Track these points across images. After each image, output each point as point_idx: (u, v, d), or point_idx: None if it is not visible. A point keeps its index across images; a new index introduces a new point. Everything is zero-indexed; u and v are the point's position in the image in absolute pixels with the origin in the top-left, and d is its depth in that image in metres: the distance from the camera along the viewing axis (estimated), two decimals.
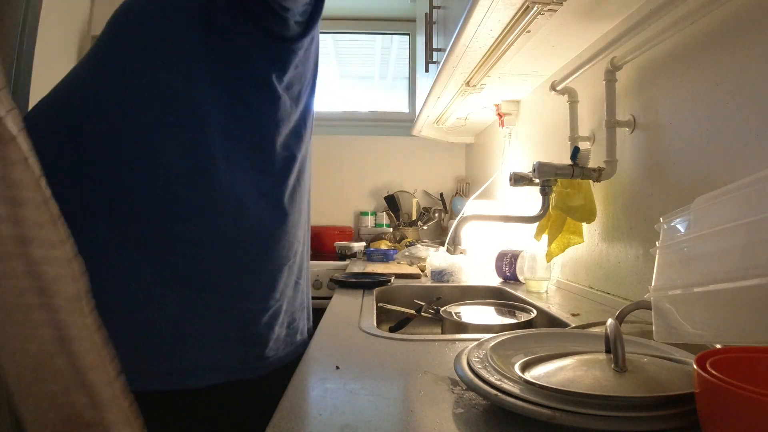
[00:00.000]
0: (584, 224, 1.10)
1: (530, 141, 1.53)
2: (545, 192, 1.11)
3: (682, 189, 0.81)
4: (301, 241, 0.76)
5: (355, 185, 2.56)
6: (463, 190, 2.46)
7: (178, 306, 0.60)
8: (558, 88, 1.14)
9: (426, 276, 1.42)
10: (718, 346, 0.47)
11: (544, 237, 1.14)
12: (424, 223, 2.29)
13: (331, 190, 2.53)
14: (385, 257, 1.80)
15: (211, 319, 0.62)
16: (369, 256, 1.87)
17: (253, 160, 0.66)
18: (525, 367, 0.48)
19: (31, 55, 0.74)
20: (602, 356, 0.48)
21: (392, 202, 2.40)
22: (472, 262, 1.42)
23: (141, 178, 0.59)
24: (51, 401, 0.37)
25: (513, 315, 0.98)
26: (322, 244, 2.23)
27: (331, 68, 2.80)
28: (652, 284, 0.57)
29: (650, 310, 0.57)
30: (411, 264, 1.66)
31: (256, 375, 0.66)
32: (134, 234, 0.59)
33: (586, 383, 0.42)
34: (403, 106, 2.68)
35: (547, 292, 1.17)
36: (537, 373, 0.46)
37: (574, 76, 1.07)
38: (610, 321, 0.48)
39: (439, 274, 1.33)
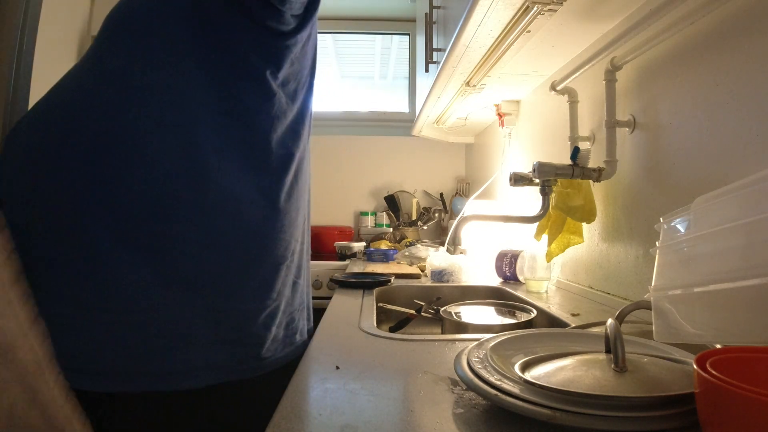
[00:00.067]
0: (584, 224, 1.10)
1: (530, 141, 1.53)
2: (545, 192, 1.11)
3: (682, 189, 0.81)
4: (299, 241, 0.76)
5: (355, 185, 2.56)
6: (463, 190, 2.46)
7: (174, 306, 0.60)
8: (558, 88, 1.14)
9: (426, 276, 1.42)
10: (718, 346, 0.47)
11: (544, 237, 1.14)
12: (424, 223, 2.29)
13: (331, 190, 2.53)
14: (385, 257, 1.80)
15: (207, 320, 0.62)
16: (369, 256, 1.87)
17: (248, 159, 0.66)
18: (525, 367, 0.48)
19: (31, 55, 0.74)
20: (602, 356, 0.48)
21: (392, 202, 2.40)
22: (472, 262, 1.42)
23: (133, 178, 0.59)
24: None
25: (513, 315, 0.98)
26: (322, 244, 2.23)
27: (331, 68, 2.80)
28: (652, 284, 0.57)
29: (650, 310, 0.57)
30: (411, 264, 1.66)
31: (254, 375, 0.66)
32: (129, 234, 0.59)
33: (586, 383, 0.42)
34: (403, 106, 2.68)
35: (547, 292, 1.17)
36: (537, 373, 0.46)
37: (574, 76, 1.07)
38: (610, 321, 0.48)
39: (439, 274, 1.33)
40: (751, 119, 0.66)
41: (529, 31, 0.99)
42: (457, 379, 0.50)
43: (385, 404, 0.48)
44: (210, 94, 0.64)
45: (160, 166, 0.60)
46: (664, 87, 0.86)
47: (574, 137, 1.12)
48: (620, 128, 0.98)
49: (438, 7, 1.48)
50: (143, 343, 0.58)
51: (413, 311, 1.07)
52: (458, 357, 0.52)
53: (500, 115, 1.64)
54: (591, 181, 1.05)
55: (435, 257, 1.39)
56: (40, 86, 0.71)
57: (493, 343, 0.55)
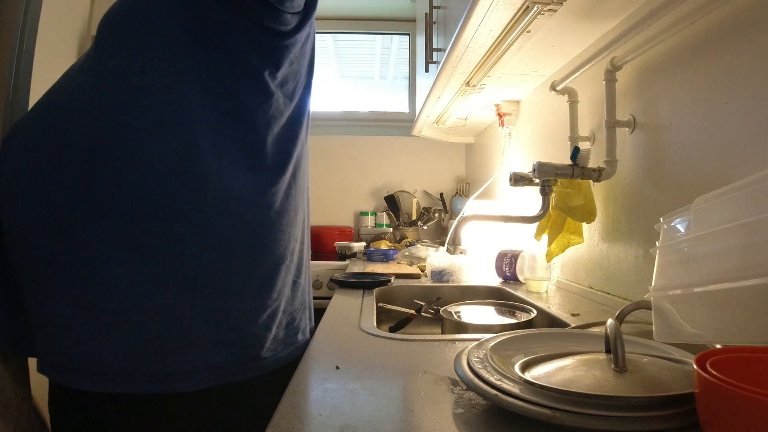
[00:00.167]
0: (584, 224, 1.10)
1: (530, 141, 1.53)
2: (545, 192, 1.11)
3: (682, 189, 0.81)
4: (298, 240, 0.76)
5: (355, 185, 2.56)
6: (463, 190, 2.46)
7: (173, 307, 0.60)
8: (558, 88, 1.14)
9: (426, 276, 1.42)
10: (718, 346, 0.47)
11: (544, 237, 1.14)
12: (424, 223, 2.29)
13: (331, 190, 2.53)
14: (385, 257, 1.80)
15: (207, 320, 0.62)
16: (369, 256, 1.87)
17: (246, 158, 0.66)
18: (525, 367, 0.48)
19: (31, 55, 0.74)
20: (602, 356, 0.48)
21: (392, 202, 2.40)
22: (472, 262, 1.42)
23: (133, 178, 0.59)
24: None
25: (513, 315, 0.98)
26: (322, 244, 2.23)
27: (331, 68, 2.80)
28: (652, 284, 0.57)
29: (650, 310, 0.57)
30: (411, 264, 1.66)
31: (254, 375, 0.66)
32: (128, 234, 0.59)
33: (586, 383, 0.42)
34: (403, 106, 2.68)
35: (547, 292, 1.17)
36: (537, 373, 0.46)
37: (574, 76, 1.07)
38: (610, 321, 0.48)
39: (439, 274, 1.33)
40: (751, 119, 0.66)
41: (529, 31, 0.99)
42: (457, 379, 0.50)
43: (385, 404, 0.48)
44: (209, 94, 0.64)
45: (159, 166, 0.60)
46: (664, 87, 0.86)
47: (574, 137, 1.12)
48: (620, 128, 0.98)
49: (438, 7, 1.48)
50: (143, 344, 0.58)
51: (413, 311, 1.07)
52: (458, 357, 0.52)
53: (500, 115, 1.64)
54: (591, 181, 1.05)
55: (435, 257, 1.39)
56: (40, 86, 0.71)
57: (493, 343, 0.55)
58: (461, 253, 1.55)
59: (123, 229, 0.59)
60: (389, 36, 2.69)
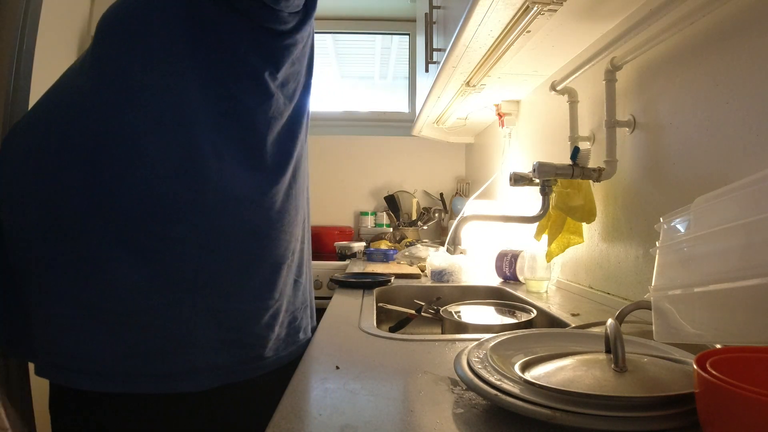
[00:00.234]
0: (584, 224, 1.10)
1: (530, 141, 1.53)
2: (545, 192, 1.11)
3: (682, 189, 0.81)
4: (299, 240, 0.76)
5: (355, 185, 2.56)
6: (463, 190, 2.46)
7: (175, 307, 0.60)
8: (558, 88, 1.14)
9: (426, 276, 1.42)
10: (718, 346, 0.47)
11: (544, 237, 1.14)
12: (424, 223, 2.29)
13: (331, 190, 2.53)
14: (385, 257, 1.80)
15: (208, 321, 0.62)
16: (369, 256, 1.87)
17: (246, 159, 0.66)
18: (525, 367, 0.48)
19: (31, 55, 0.74)
20: (602, 356, 0.48)
21: (392, 202, 2.40)
22: (472, 262, 1.42)
23: (133, 179, 0.59)
24: None
25: (513, 315, 0.98)
26: (322, 244, 2.23)
27: (331, 68, 2.79)
28: (652, 284, 0.57)
29: (650, 310, 0.57)
30: (411, 264, 1.66)
31: (255, 375, 0.66)
32: (128, 235, 0.59)
33: (586, 383, 0.42)
34: (403, 106, 2.68)
35: (547, 292, 1.17)
36: (537, 373, 0.46)
37: (574, 76, 1.07)
38: (610, 321, 0.48)
39: (439, 274, 1.33)
40: (751, 119, 0.66)
41: (529, 31, 0.99)
42: (457, 379, 0.50)
43: (385, 404, 0.48)
44: (209, 95, 0.64)
45: (159, 167, 0.60)
46: (664, 87, 0.86)
47: (574, 137, 1.12)
48: (620, 128, 0.98)
49: (438, 7, 1.48)
50: (143, 344, 0.58)
51: (413, 311, 1.07)
52: (458, 357, 0.52)
53: (500, 115, 1.64)
54: (591, 181, 1.05)
55: (435, 257, 1.39)
56: (40, 86, 0.71)
57: (493, 343, 0.55)
58: (461, 253, 1.55)
59: (123, 229, 0.59)
60: (389, 36, 2.69)
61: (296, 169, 0.74)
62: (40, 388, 0.68)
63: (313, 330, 0.81)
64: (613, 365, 0.44)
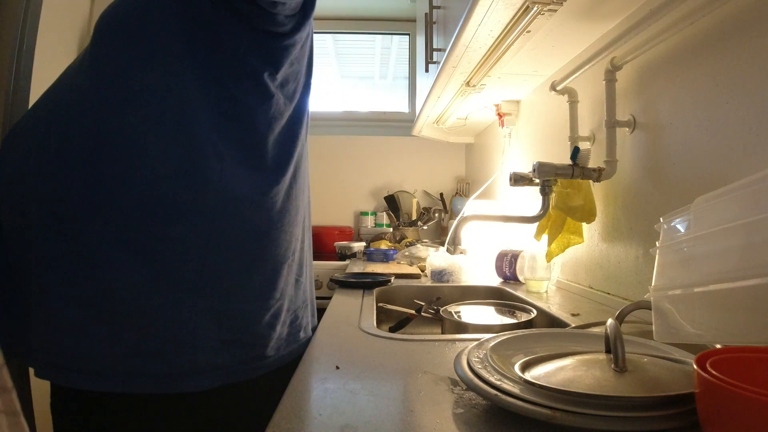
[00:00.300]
0: (584, 224, 1.10)
1: (530, 141, 1.53)
2: (545, 192, 1.11)
3: (682, 189, 0.81)
4: (300, 239, 0.76)
5: (355, 185, 2.56)
6: (463, 190, 2.46)
7: (176, 308, 0.60)
8: (558, 88, 1.14)
9: (426, 276, 1.42)
10: (718, 346, 0.47)
11: (544, 237, 1.14)
12: (424, 223, 2.29)
13: (331, 190, 2.53)
14: (385, 257, 1.80)
15: (210, 321, 0.62)
16: (369, 256, 1.87)
17: (247, 159, 0.66)
18: (525, 367, 0.48)
19: (31, 55, 0.74)
20: (602, 356, 0.48)
21: (392, 202, 2.40)
22: (472, 262, 1.42)
23: (133, 179, 0.59)
24: None
25: (513, 315, 0.97)
26: (322, 244, 2.23)
27: (331, 68, 2.79)
28: (652, 284, 0.57)
29: (650, 310, 0.57)
30: (411, 264, 1.66)
31: (257, 375, 0.66)
32: (129, 236, 0.59)
33: (586, 383, 0.42)
34: (403, 106, 2.68)
35: (547, 292, 1.17)
36: (537, 373, 0.46)
37: (574, 76, 1.07)
38: (610, 321, 0.48)
39: (439, 274, 1.33)
40: (751, 119, 0.66)
41: (529, 31, 0.99)
42: (457, 379, 0.50)
43: (385, 404, 0.48)
44: (209, 95, 0.63)
45: (160, 167, 0.60)
46: (664, 87, 0.86)
47: (574, 137, 1.12)
48: (620, 128, 0.98)
49: (438, 7, 1.48)
50: (144, 344, 0.58)
51: (413, 311, 1.07)
52: (458, 357, 0.52)
53: (500, 115, 1.64)
54: (591, 181, 1.05)
55: (435, 257, 1.39)
56: (40, 86, 0.71)
57: (493, 343, 0.55)
58: (461, 253, 1.55)
59: (124, 229, 0.59)
60: (389, 36, 2.69)
61: (297, 169, 0.74)
62: (40, 388, 0.68)
63: (314, 329, 0.81)
64: (613, 365, 0.44)
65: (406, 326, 1.06)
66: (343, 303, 1.02)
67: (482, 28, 1.00)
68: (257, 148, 0.68)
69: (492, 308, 1.05)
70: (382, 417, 0.44)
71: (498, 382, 0.44)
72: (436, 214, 2.33)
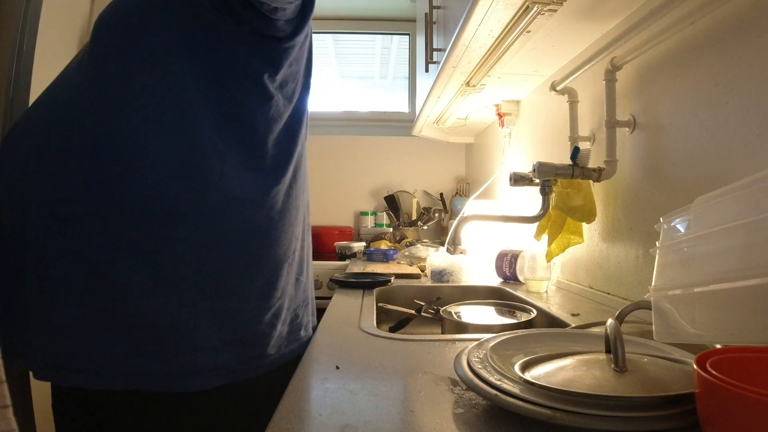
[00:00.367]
0: (584, 224, 1.10)
1: (530, 141, 1.53)
2: (545, 192, 1.11)
3: (682, 189, 0.81)
4: (300, 238, 0.76)
5: (355, 185, 2.56)
6: (463, 190, 2.46)
7: (178, 308, 0.60)
8: (558, 88, 1.14)
9: (426, 276, 1.42)
10: (718, 346, 0.47)
11: (544, 237, 1.14)
12: (424, 223, 2.29)
13: (331, 190, 2.53)
14: (385, 257, 1.80)
15: (211, 321, 0.62)
16: (369, 256, 1.87)
17: (246, 160, 0.66)
18: (525, 367, 0.48)
19: (31, 55, 0.74)
20: (602, 356, 0.48)
21: (392, 202, 2.40)
22: (472, 262, 1.42)
23: (134, 180, 0.59)
24: None
25: (513, 315, 0.97)
26: (322, 244, 2.23)
27: (331, 68, 2.79)
28: (652, 284, 0.57)
29: (650, 310, 0.57)
30: (411, 264, 1.66)
31: (258, 373, 0.66)
32: (128, 236, 0.59)
33: (586, 383, 0.42)
34: (403, 106, 2.68)
35: (547, 292, 1.17)
36: (537, 373, 0.46)
37: (574, 76, 1.07)
38: (610, 321, 0.48)
39: (439, 274, 1.33)
40: (751, 119, 0.66)
41: (529, 31, 0.99)
42: (457, 379, 0.50)
43: (385, 404, 0.48)
44: (209, 96, 0.63)
45: (160, 168, 0.60)
46: (664, 87, 0.86)
47: (574, 137, 1.12)
48: (620, 128, 0.98)
49: (438, 7, 1.48)
50: (144, 344, 0.58)
51: (413, 311, 1.07)
52: (458, 357, 0.52)
53: (500, 115, 1.64)
54: (591, 181, 1.05)
55: (435, 257, 1.39)
56: (40, 86, 0.71)
57: (493, 343, 0.55)
58: (461, 253, 1.55)
59: (124, 230, 0.59)
60: (389, 36, 2.69)
61: (296, 169, 0.74)
62: (40, 388, 0.68)
63: (314, 328, 0.81)
64: (613, 365, 0.44)
65: (406, 326, 1.06)
66: (343, 303, 1.02)
67: (482, 28, 1.00)
68: (257, 149, 0.68)
69: (492, 308, 1.05)
70: (382, 417, 0.44)
71: (498, 382, 0.44)
72: (436, 214, 2.33)
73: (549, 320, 0.94)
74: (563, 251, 1.11)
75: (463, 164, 2.58)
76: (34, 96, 0.71)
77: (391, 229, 2.35)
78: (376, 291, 1.16)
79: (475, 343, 0.56)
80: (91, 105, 0.61)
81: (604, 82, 0.98)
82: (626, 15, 0.95)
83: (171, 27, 0.62)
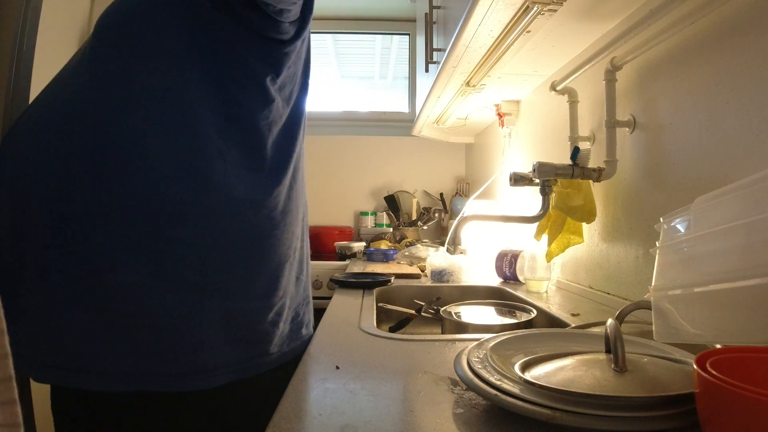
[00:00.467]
0: (584, 224, 1.10)
1: (530, 141, 1.53)
2: (545, 192, 1.11)
3: (682, 189, 0.81)
4: (299, 238, 0.77)
5: (355, 185, 2.56)
6: (463, 190, 2.46)
7: (182, 308, 0.60)
8: (558, 88, 1.14)
9: (426, 276, 1.42)
10: (718, 346, 0.47)
11: (544, 237, 1.14)
12: (424, 223, 2.29)
13: (331, 190, 2.53)
14: (385, 257, 1.80)
15: (214, 321, 0.62)
16: (369, 256, 1.87)
17: (247, 161, 0.66)
18: (525, 367, 0.48)
19: (31, 55, 0.74)
20: (602, 356, 0.48)
21: (392, 202, 2.40)
22: (472, 262, 1.42)
23: (135, 181, 0.59)
24: None
25: (513, 315, 0.97)
26: (322, 244, 2.23)
27: (331, 68, 2.79)
28: (652, 284, 0.57)
29: (650, 310, 0.57)
30: (411, 264, 1.66)
31: (260, 372, 0.67)
32: (130, 237, 0.59)
33: (586, 383, 0.42)
34: (403, 106, 2.68)
35: (547, 292, 1.17)
36: (537, 373, 0.46)
37: (574, 76, 1.07)
38: (610, 321, 0.48)
39: (439, 274, 1.33)
40: (751, 119, 0.66)
41: (529, 31, 0.99)
42: (457, 379, 0.50)
43: (385, 404, 0.48)
44: (210, 97, 0.64)
45: (162, 168, 0.60)
46: (664, 87, 0.86)
47: (574, 137, 1.12)
48: (620, 128, 0.98)
49: (438, 7, 1.48)
50: (146, 344, 0.58)
51: (413, 311, 1.07)
52: (458, 357, 0.52)
53: (500, 115, 1.64)
54: (591, 181, 1.05)
55: (435, 257, 1.39)
56: (40, 86, 0.71)
57: (493, 343, 0.55)
58: (461, 253, 1.55)
59: (126, 230, 0.59)
60: (389, 36, 2.69)
61: (296, 169, 0.74)
62: (40, 388, 0.68)
63: (314, 326, 0.81)
64: (613, 365, 0.44)
65: (406, 326, 1.06)
66: (343, 303, 1.02)
67: (482, 28, 1.00)
68: (258, 150, 0.68)
69: (492, 308, 1.05)
70: (382, 417, 0.44)
71: (498, 382, 0.44)
72: (436, 214, 2.33)
73: (549, 320, 0.94)
74: (563, 251, 1.11)
75: (463, 164, 2.58)
76: (34, 96, 0.71)
77: (391, 229, 2.35)
78: (376, 291, 1.16)
79: (475, 343, 0.56)
80: (91, 105, 0.61)
81: (604, 82, 0.98)
82: (626, 15, 0.95)
83: (172, 27, 0.62)
